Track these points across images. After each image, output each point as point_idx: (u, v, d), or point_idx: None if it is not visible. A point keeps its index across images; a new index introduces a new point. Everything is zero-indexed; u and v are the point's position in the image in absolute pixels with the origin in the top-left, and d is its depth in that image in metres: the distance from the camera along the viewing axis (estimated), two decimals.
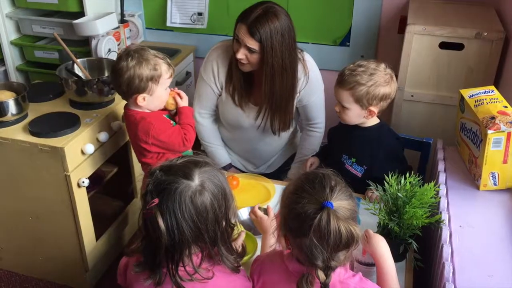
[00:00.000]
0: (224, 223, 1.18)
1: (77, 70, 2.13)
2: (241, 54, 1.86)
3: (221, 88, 2.06)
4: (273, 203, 1.71)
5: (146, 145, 1.77)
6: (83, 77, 2.11)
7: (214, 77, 2.04)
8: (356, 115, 1.72)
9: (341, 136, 1.85)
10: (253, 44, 1.82)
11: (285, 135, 2.16)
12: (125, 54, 1.71)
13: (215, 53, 2.05)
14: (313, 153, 2.10)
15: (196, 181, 1.13)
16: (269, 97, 1.95)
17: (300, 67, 1.98)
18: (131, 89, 1.71)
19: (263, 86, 1.93)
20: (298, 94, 2.02)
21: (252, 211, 1.54)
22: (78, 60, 2.13)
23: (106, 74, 2.15)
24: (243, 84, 2.01)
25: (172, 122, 1.83)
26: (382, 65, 1.70)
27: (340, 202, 1.09)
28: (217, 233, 1.16)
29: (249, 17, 1.82)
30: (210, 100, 2.10)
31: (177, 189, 1.11)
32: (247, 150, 2.21)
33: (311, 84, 2.02)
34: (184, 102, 1.84)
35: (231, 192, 1.21)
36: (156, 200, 1.10)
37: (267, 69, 1.88)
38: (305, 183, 1.12)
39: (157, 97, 1.75)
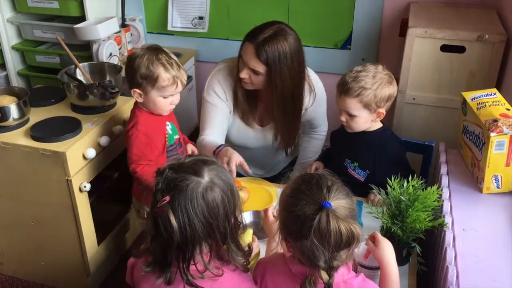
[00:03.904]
0: (233, 219, 1.19)
1: (78, 75, 2.13)
2: (244, 74, 1.81)
3: (230, 110, 1.99)
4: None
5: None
6: (84, 81, 2.11)
7: (223, 100, 1.95)
8: (365, 121, 1.71)
9: (344, 141, 1.84)
10: (258, 67, 1.76)
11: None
12: (147, 47, 1.70)
13: (216, 79, 1.95)
14: (316, 156, 2.09)
15: (206, 178, 1.14)
16: (278, 122, 1.94)
17: (306, 86, 1.92)
18: (128, 78, 1.71)
19: (274, 111, 1.90)
20: (304, 111, 2.00)
21: (264, 210, 1.53)
22: (80, 64, 2.13)
23: (108, 78, 2.15)
24: (248, 104, 1.96)
25: (168, 133, 1.80)
26: (380, 67, 1.70)
27: (338, 201, 1.09)
28: (227, 229, 1.17)
29: (258, 37, 1.73)
30: (223, 123, 1.97)
31: (188, 186, 1.11)
32: (252, 162, 2.19)
33: (318, 100, 2.01)
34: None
35: (237, 190, 1.22)
36: (167, 198, 1.11)
37: (277, 94, 1.83)
38: (301, 185, 1.13)
39: (151, 100, 1.71)
